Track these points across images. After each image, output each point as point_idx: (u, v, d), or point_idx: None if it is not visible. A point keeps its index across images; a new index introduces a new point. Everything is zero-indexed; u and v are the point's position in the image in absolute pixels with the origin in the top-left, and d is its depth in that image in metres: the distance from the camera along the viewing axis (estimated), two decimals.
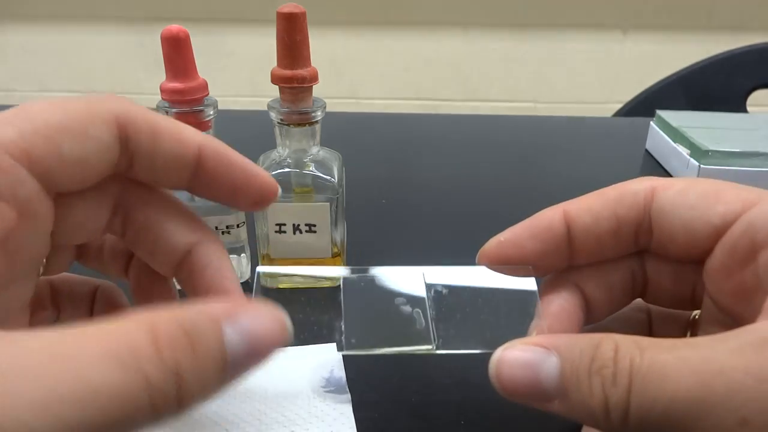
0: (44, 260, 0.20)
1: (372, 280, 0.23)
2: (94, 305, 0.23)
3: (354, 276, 0.24)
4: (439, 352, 0.22)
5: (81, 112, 0.18)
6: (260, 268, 0.23)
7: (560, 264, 0.23)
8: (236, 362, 0.15)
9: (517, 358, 0.19)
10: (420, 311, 0.23)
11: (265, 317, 0.16)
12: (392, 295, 0.23)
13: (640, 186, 0.22)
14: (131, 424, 0.13)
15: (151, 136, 0.19)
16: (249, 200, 0.21)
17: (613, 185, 0.22)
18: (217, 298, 0.17)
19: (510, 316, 0.23)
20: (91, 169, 0.18)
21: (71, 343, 0.13)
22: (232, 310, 0.15)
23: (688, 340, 0.17)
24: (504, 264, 0.23)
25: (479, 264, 0.23)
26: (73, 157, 0.17)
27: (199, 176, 0.20)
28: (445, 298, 0.23)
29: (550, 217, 0.22)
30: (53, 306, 0.23)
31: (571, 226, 0.22)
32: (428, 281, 0.23)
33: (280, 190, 0.22)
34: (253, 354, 0.15)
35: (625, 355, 0.17)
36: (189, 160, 0.20)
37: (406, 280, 0.23)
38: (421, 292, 0.23)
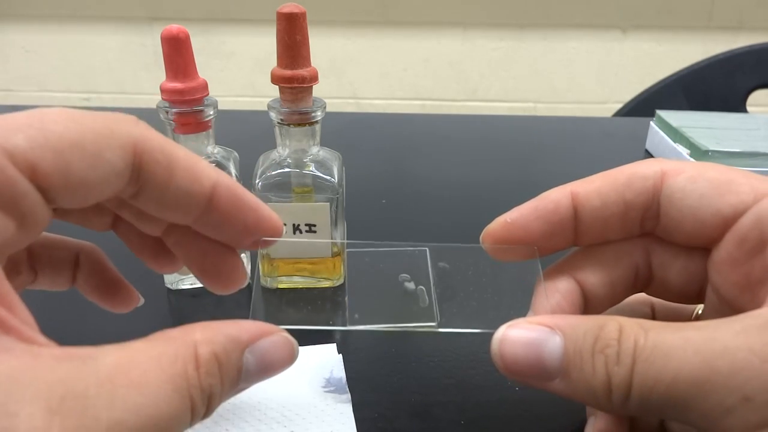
0: None
1: (377, 255, 0.24)
2: (78, 270, 0.22)
3: (359, 250, 0.24)
4: (441, 330, 0.22)
5: (99, 132, 0.17)
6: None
7: (564, 245, 0.23)
8: (247, 379, 0.17)
9: (520, 336, 0.19)
10: (424, 288, 0.23)
11: (279, 345, 0.18)
12: (396, 270, 0.23)
13: (650, 170, 0.21)
14: None
15: (166, 169, 0.18)
16: (255, 242, 0.21)
17: (622, 166, 0.22)
18: (245, 322, 0.17)
19: (513, 295, 0.23)
20: (95, 193, 0.17)
21: (140, 366, 0.14)
22: (255, 338, 0.17)
23: (693, 323, 0.17)
24: (508, 244, 0.22)
25: (483, 244, 0.23)
26: (80, 179, 0.16)
27: (209, 214, 0.19)
28: (449, 275, 0.23)
29: (557, 198, 0.22)
30: (30, 270, 0.21)
31: (578, 209, 0.22)
32: (432, 259, 0.23)
33: (285, 230, 0.21)
34: (262, 373, 0.18)
35: (629, 335, 0.17)
36: (202, 198, 0.19)
37: (411, 257, 0.23)
38: (426, 269, 0.23)
